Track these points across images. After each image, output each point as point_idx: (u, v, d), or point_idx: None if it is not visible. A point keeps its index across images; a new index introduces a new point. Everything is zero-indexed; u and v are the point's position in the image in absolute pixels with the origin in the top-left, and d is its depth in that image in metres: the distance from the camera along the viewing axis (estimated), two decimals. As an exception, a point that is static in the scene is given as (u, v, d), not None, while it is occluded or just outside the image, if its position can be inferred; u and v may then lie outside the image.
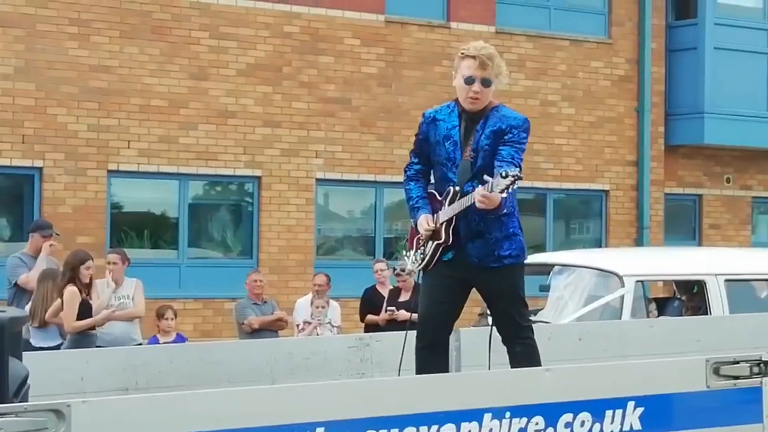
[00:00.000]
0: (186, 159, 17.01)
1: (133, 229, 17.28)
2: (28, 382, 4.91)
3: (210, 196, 18.24)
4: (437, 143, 6.40)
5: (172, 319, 12.54)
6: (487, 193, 5.95)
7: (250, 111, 17.40)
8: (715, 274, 10.81)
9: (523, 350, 6.28)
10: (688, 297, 11.77)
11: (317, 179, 17.94)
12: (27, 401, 4.78)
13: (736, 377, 5.71)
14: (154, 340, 12.42)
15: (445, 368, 6.36)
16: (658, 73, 20.48)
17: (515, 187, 5.91)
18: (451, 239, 6.27)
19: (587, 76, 19.96)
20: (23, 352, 5.16)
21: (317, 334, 12.87)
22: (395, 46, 18.42)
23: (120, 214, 17.16)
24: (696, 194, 21.36)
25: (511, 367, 6.32)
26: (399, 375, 6.33)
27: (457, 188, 6.23)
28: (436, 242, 6.30)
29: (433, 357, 6.30)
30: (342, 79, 18.05)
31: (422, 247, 6.36)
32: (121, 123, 16.60)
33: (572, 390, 5.38)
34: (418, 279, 6.66)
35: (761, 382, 5.74)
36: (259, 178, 17.55)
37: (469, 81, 6.29)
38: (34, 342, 11.25)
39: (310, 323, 13.41)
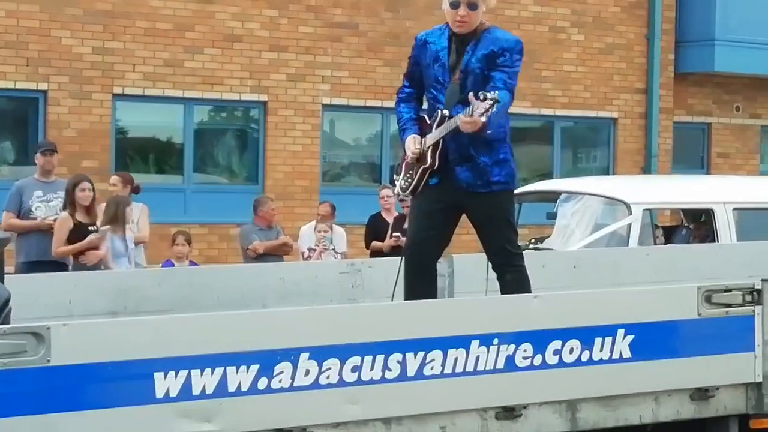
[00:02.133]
0: (191, 83, 16.92)
1: (138, 154, 17.25)
2: (9, 304, 4.88)
3: (215, 121, 18.17)
4: (427, 66, 6.33)
5: (182, 244, 12.47)
6: (467, 118, 5.89)
7: (256, 35, 17.26)
8: (723, 203, 10.74)
9: (513, 278, 6.21)
10: (696, 225, 11.72)
11: (323, 105, 17.83)
12: (8, 323, 4.75)
13: (728, 305, 5.68)
14: (168, 263, 12.39)
15: (433, 294, 6.31)
16: (669, -1, 20.28)
17: (494, 110, 5.83)
18: (437, 163, 6.20)
19: (597, 1, 19.74)
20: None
21: (321, 260, 12.83)
22: (403, -30, 18.22)
23: (125, 138, 17.11)
24: (705, 123, 21.22)
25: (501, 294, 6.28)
26: (392, 301, 6.29)
27: (446, 111, 6.14)
28: (422, 166, 6.23)
29: (421, 282, 6.24)
30: (349, 4, 17.88)
31: (410, 171, 6.30)
32: (126, 46, 16.48)
33: (561, 317, 5.35)
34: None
35: (753, 311, 5.70)
36: (265, 103, 17.46)
37: (454, 5, 6.21)
38: None
39: (314, 249, 13.36)
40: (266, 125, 17.54)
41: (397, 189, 6.47)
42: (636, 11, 20.04)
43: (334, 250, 13.46)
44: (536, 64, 18.98)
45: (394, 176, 6.53)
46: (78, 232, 11.04)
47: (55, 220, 11.28)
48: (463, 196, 6.24)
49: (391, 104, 18.22)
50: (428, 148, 6.20)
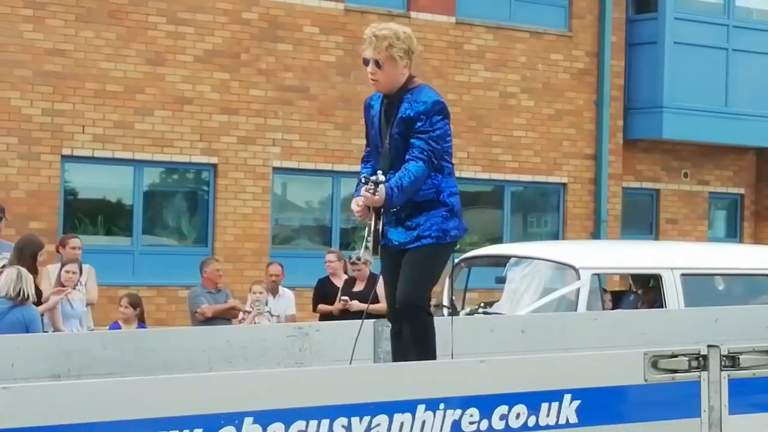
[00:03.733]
0: (141, 145, 16.88)
1: (86, 215, 17.14)
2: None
3: (165, 183, 18.11)
4: (370, 129, 6.41)
5: (125, 306, 12.29)
6: (359, 203, 6.12)
7: (207, 98, 17.28)
8: (671, 268, 10.81)
9: (413, 333, 6.19)
10: (644, 291, 11.80)
11: (274, 168, 17.84)
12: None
13: (675, 371, 5.67)
14: (116, 326, 12.26)
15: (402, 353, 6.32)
16: (618, 66, 20.49)
17: (377, 189, 6.00)
18: (380, 226, 6.25)
19: (547, 68, 19.94)
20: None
21: (256, 323, 12.68)
22: (354, 34, 18.28)
23: (74, 199, 17.02)
24: (654, 189, 21.41)
25: (400, 349, 6.28)
26: (350, 363, 6.27)
27: (381, 177, 6.15)
28: (374, 229, 6.28)
29: (396, 342, 6.32)
30: (300, 67, 17.95)
31: (368, 236, 6.33)
32: (76, 108, 16.44)
33: (507, 382, 5.32)
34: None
35: (699, 376, 5.70)
36: (215, 165, 17.43)
37: (364, 63, 6.25)
38: None
39: (249, 312, 13.21)
40: (216, 187, 17.50)
41: (361, 254, 6.52)
42: (585, 78, 20.25)
43: (269, 312, 13.32)
44: (486, 129, 19.12)
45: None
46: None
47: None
48: (401, 255, 6.31)
49: (342, 167, 18.45)
50: (373, 213, 6.24)
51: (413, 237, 6.28)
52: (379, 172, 6.14)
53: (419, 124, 6.16)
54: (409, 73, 6.27)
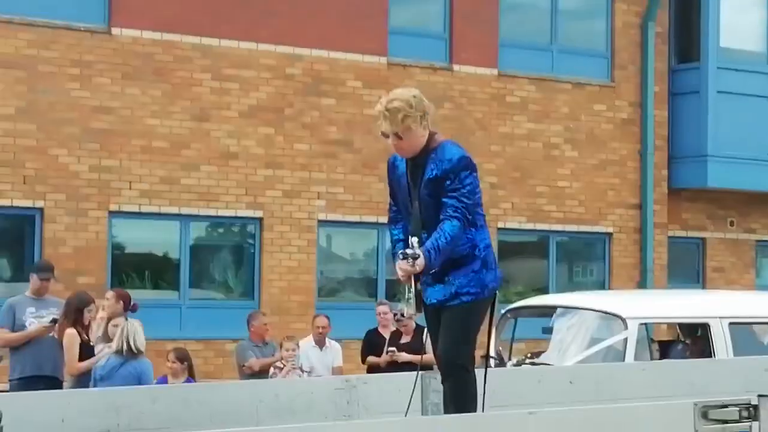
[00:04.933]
0: (187, 200, 17.00)
1: (134, 270, 17.24)
2: (1, 422, 4.84)
3: (212, 237, 18.21)
4: (397, 190, 6.48)
5: (173, 362, 12.30)
6: (404, 270, 6.15)
7: (251, 152, 17.40)
8: (719, 317, 10.74)
9: (451, 390, 6.25)
10: (692, 340, 11.69)
11: (319, 220, 17.90)
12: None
13: (725, 421, 5.63)
14: (163, 380, 12.29)
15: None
16: (661, 116, 20.47)
17: (441, 243, 6.09)
18: (419, 286, 6.32)
19: (590, 119, 19.95)
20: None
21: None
22: (397, 88, 18.37)
23: (121, 254, 17.13)
24: (699, 237, 21.30)
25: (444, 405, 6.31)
26: (405, 416, 6.29)
27: (415, 240, 6.21)
28: (416, 289, 6.31)
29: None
30: (344, 121, 18.05)
31: (409, 293, 6.36)
32: (123, 164, 16.60)
33: (556, 434, 5.31)
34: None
35: (750, 427, 5.66)
36: (260, 219, 17.53)
37: (383, 136, 6.30)
38: None
39: (280, 368, 13.11)
40: (262, 241, 17.59)
41: (405, 308, 6.52)
42: (628, 128, 20.24)
43: (300, 368, 13.26)
44: (530, 179, 19.13)
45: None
46: (83, 348, 11.08)
47: (51, 326, 11.33)
48: (440, 311, 6.35)
49: (386, 219, 18.47)
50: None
51: (451, 294, 6.32)
52: (415, 241, 6.17)
53: (448, 182, 6.19)
54: (429, 131, 6.30)
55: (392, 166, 6.46)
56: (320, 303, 17.69)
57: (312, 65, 17.86)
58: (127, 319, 12.19)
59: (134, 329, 10.72)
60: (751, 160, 20.43)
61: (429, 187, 6.23)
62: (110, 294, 12.60)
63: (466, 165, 6.23)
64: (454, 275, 6.29)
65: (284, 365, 13.06)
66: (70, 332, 11.14)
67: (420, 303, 6.34)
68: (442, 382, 6.37)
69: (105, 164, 16.48)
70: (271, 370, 13.24)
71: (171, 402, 6.42)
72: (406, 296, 6.37)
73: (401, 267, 6.14)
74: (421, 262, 6.10)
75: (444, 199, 6.18)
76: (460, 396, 6.23)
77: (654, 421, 5.55)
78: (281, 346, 13.32)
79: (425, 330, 11.31)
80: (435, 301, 6.35)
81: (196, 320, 17.08)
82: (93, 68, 16.45)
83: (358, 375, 7.87)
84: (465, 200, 6.19)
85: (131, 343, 10.57)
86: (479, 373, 6.47)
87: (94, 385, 10.92)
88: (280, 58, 17.62)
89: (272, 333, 14.74)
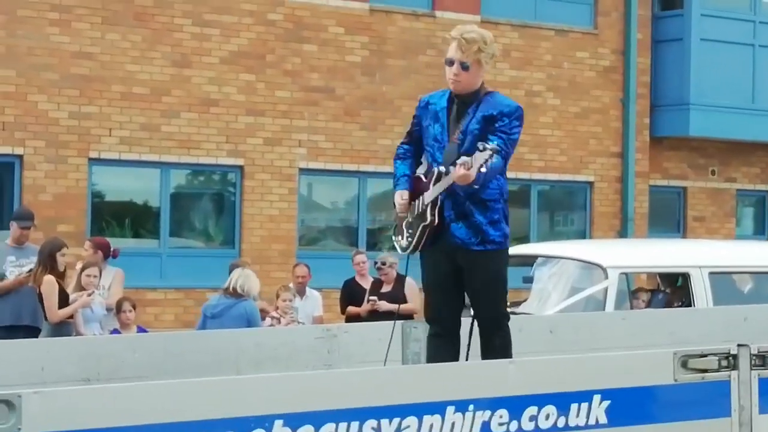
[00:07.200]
0: (168, 147, 16.92)
1: (114, 218, 17.19)
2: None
3: (192, 185, 18.15)
4: (427, 126, 6.39)
5: (130, 311, 12.02)
6: (461, 170, 5.91)
7: (232, 99, 17.31)
8: (700, 267, 10.74)
9: (501, 343, 6.27)
10: (672, 290, 11.73)
11: (300, 169, 17.85)
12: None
13: (704, 370, 5.64)
14: (116, 333, 12.07)
15: (455, 356, 6.34)
16: (644, 64, 20.43)
17: (492, 161, 5.90)
18: (437, 220, 6.23)
19: (572, 66, 19.90)
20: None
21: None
22: (380, 35, 18.32)
23: (101, 202, 17.07)
24: (681, 186, 21.32)
25: (484, 359, 6.28)
26: (384, 365, 6.28)
27: (442, 169, 6.17)
28: (422, 224, 6.25)
29: (440, 345, 6.34)
30: (326, 68, 17.96)
31: (410, 230, 6.31)
32: (103, 110, 16.49)
33: (537, 383, 5.31)
34: (406, 266, 6.61)
35: (729, 376, 5.68)
36: (241, 167, 17.46)
37: (448, 63, 6.27)
38: None
39: (276, 318, 12.73)
40: (243, 189, 17.53)
41: (398, 249, 6.47)
42: (611, 76, 20.19)
43: (298, 322, 13.01)
44: (512, 128, 19.07)
45: (393, 237, 6.54)
46: (61, 295, 11.02)
47: (27, 276, 11.28)
48: (459, 254, 6.27)
49: (368, 168, 18.46)
50: (427, 205, 6.23)
51: (479, 239, 6.24)
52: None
53: (500, 123, 6.20)
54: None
55: (425, 105, 6.44)
56: (301, 252, 17.68)
57: (293, 11, 17.74)
58: (107, 266, 12.16)
59: (247, 275, 11.40)
60: (734, 109, 20.41)
61: (481, 123, 6.20)
62: (87, 244, 12.53)
63: (520, 116, 6.28)
64: (480, 216, 6.23)
65: (281, 316, 12.78)
66: (49, 279, 11.06)
67: (421, 242, 6.28)
68: (487, 336, 6.31)
69: (85, 111, 16.37)
70: (268, 320, 12.94)
71: (151, 351, 6.41)
72: (406, 233, 6.29)
73: (458, 172, 5.91)
74: (478, 162, 5.88)
75: (491, 137, 6.14)
76: (508, 344, 6.27)
77: (634, 370, 5.57)
78: (277, 297, 13.06)
79: (406, 278, 11.36)
80: (458, 240, 6.25)
81: (176, 269, 17.05)
82: (73, 12, 16.30)
83: (338, 324, 7.89)
84: (509, 146, 6.21)
85: (238, 288, 11.27)
86: (466, 323, 6.47)
87: (204, 323, 11.52)
88: (262, 3, 17.49)
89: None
